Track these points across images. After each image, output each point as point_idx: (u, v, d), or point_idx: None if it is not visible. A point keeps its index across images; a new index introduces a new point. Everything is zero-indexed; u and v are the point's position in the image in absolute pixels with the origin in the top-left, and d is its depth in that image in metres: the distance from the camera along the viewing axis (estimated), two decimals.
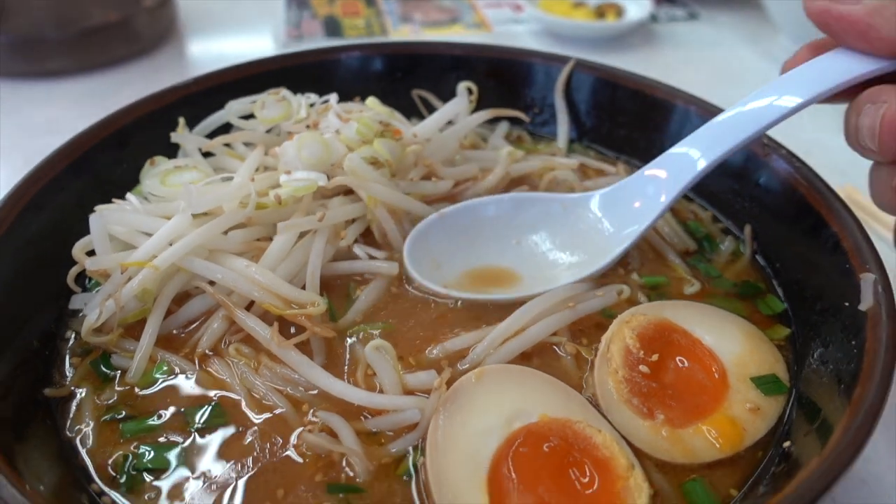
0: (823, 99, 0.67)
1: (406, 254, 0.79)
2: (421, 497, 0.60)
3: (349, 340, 0.72)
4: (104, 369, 0.70)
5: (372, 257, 0.80)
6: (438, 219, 0.82)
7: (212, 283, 0.73)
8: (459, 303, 0.77)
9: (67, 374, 0.70)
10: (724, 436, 0.64)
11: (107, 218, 0.73)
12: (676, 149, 0.79)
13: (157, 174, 0.82)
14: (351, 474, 0.61)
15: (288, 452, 0.63)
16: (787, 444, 0.63)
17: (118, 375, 0.69)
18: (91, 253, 0.73)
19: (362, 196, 0.80)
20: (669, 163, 0.79)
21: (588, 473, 0.60)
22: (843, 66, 0.65)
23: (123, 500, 0.60)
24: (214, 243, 0.74)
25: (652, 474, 0.62)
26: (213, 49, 1.64)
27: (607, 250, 0.80)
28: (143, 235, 0.75)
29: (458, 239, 0.82)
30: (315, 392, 0.67)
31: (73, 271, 0.73)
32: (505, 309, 0.73)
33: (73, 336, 0.74)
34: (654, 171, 0.81)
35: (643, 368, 0.68)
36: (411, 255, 0.79)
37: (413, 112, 1.03)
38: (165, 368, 0.69)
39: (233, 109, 0.93)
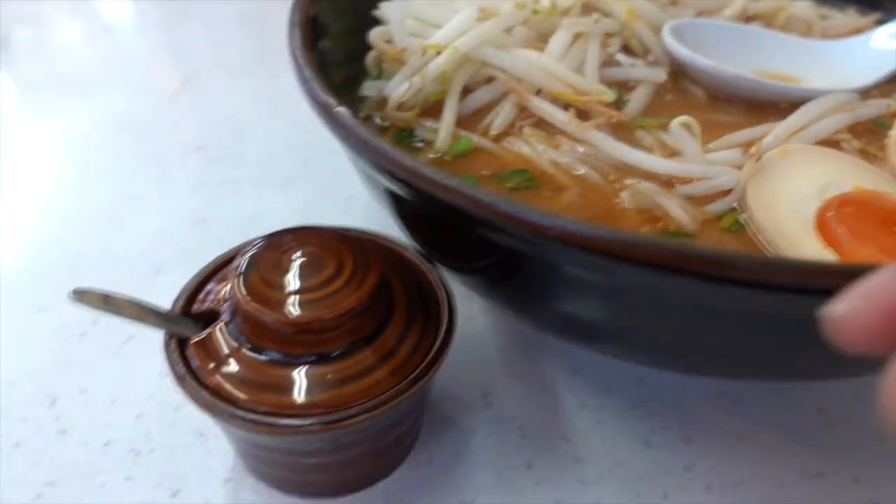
0: None
1: (667, 33, 0.79)
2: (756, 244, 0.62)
3: (634, 134, 0.74)
4: (410, 141, 0.73)
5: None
6: (689, 24, 0.83)
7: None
8: (731, 111, 0.78)
9: None
10: None
11: (400, 7, 0.76)
12: None
13: None
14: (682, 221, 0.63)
15: (608, 207, 0.65)
16: None
17: (424, 147, 0.73)
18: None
19: (618, 13, 0.82)
20: None
21: None
22: None
23: None
24: (499, 39, 0.77)
25: None
26: None
27: (877, 69, 0.81)
28: (432, 28, 0.77)
29: (715, 44, 0.82)
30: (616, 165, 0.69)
31: (373, 54, 0.76)
32: (780, 112, 0.75)
33: (365, 118, 0.77)
34: None
35: None
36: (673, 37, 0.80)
37: None
38: (466, 141, 0.72)
39: None
